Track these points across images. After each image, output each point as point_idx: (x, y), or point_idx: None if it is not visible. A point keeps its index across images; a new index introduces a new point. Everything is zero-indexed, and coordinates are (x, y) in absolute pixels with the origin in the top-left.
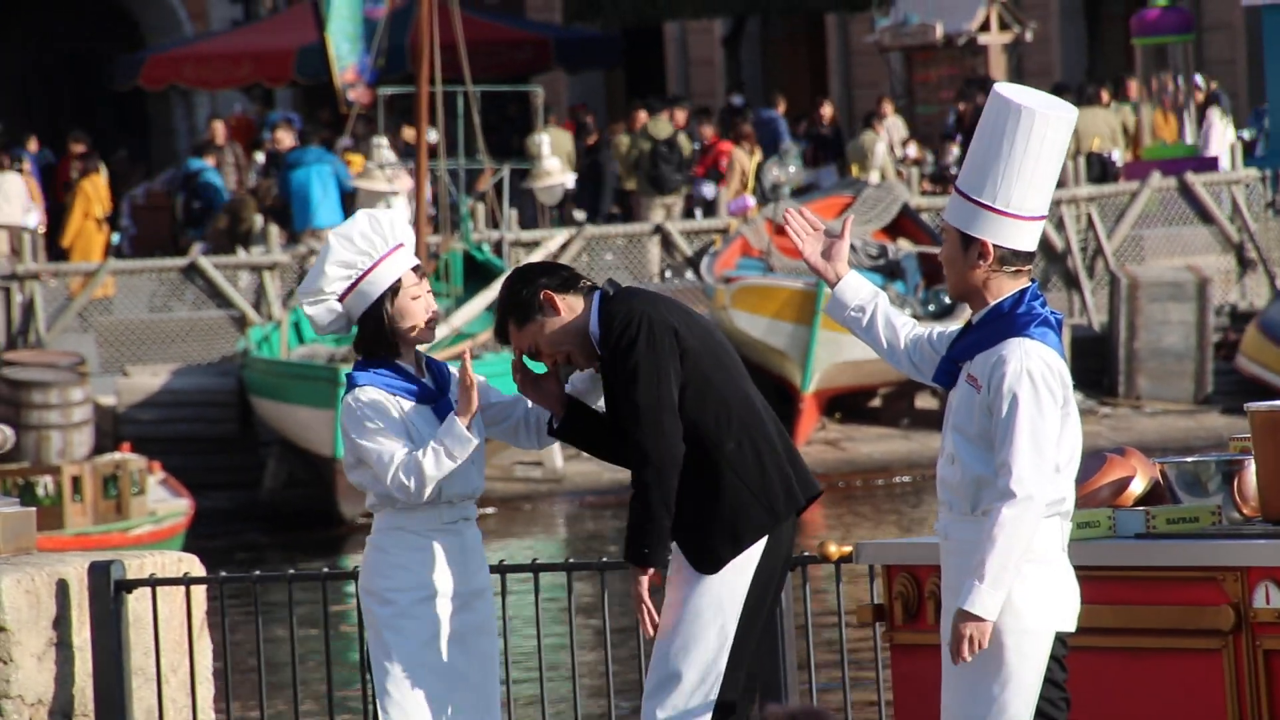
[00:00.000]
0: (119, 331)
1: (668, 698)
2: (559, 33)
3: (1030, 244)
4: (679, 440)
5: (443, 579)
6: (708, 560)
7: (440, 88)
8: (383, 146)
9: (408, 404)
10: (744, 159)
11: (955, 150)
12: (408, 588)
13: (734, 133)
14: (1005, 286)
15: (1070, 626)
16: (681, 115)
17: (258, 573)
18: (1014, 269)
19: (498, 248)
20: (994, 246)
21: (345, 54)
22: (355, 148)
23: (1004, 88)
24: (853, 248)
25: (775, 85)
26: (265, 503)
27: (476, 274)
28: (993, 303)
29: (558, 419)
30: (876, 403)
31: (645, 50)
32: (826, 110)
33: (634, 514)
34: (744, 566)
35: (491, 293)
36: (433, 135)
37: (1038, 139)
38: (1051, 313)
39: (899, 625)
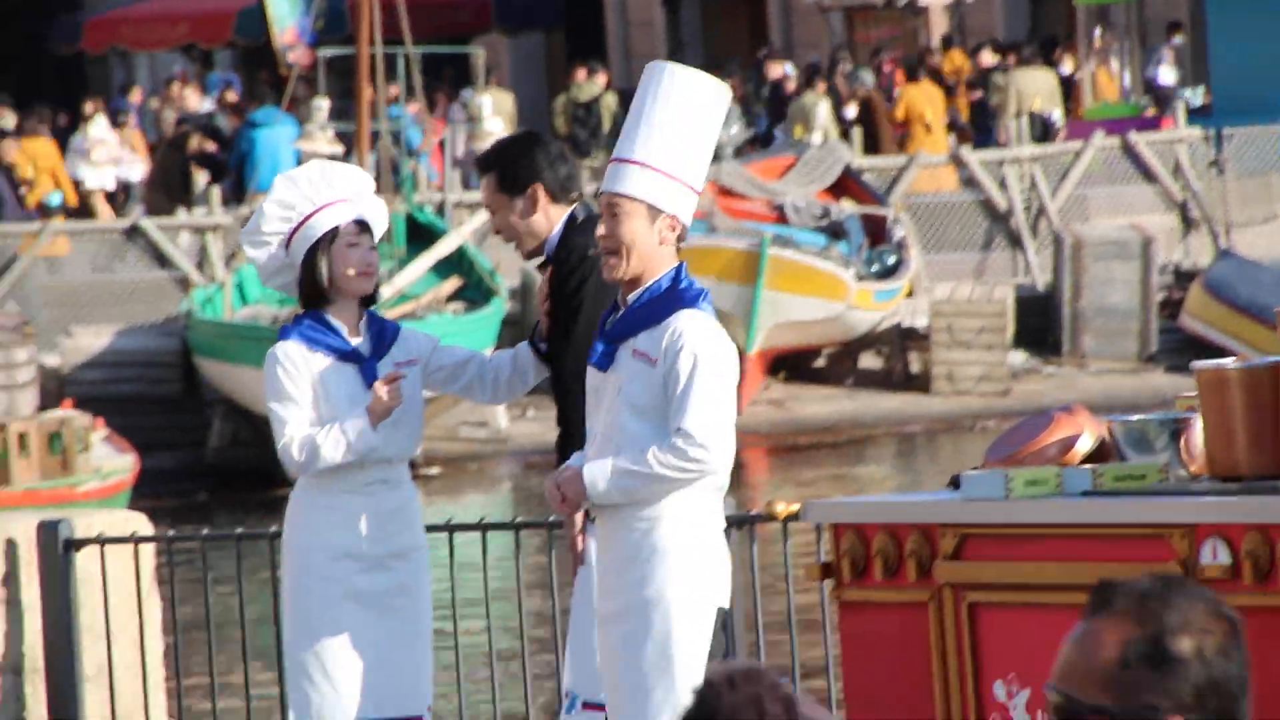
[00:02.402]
0: (63, 292)
1: None
2: None
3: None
4: None
5: (352, 540)
6: None
7: (380, 49)
8: (323, 109)
9: (330, 362)
10: None
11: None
12: (316, 547)
13: None
14: (667, 264)
15: (727, 602)
16: (602, 78)
17: (206, 531)
18: (672, 244)
19: (440, 209)
20: (680, 223)
21: (285, 15)
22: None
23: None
24: (796, 209)
25: (715, 46)
26: (210, 462)
27: (419, 235)
28: (649, 282)
29: (545, 339)
30: (821, 362)
31: (585, 11)
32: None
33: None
34: None
35: (434, 254)
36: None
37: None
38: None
39: (846, 583)
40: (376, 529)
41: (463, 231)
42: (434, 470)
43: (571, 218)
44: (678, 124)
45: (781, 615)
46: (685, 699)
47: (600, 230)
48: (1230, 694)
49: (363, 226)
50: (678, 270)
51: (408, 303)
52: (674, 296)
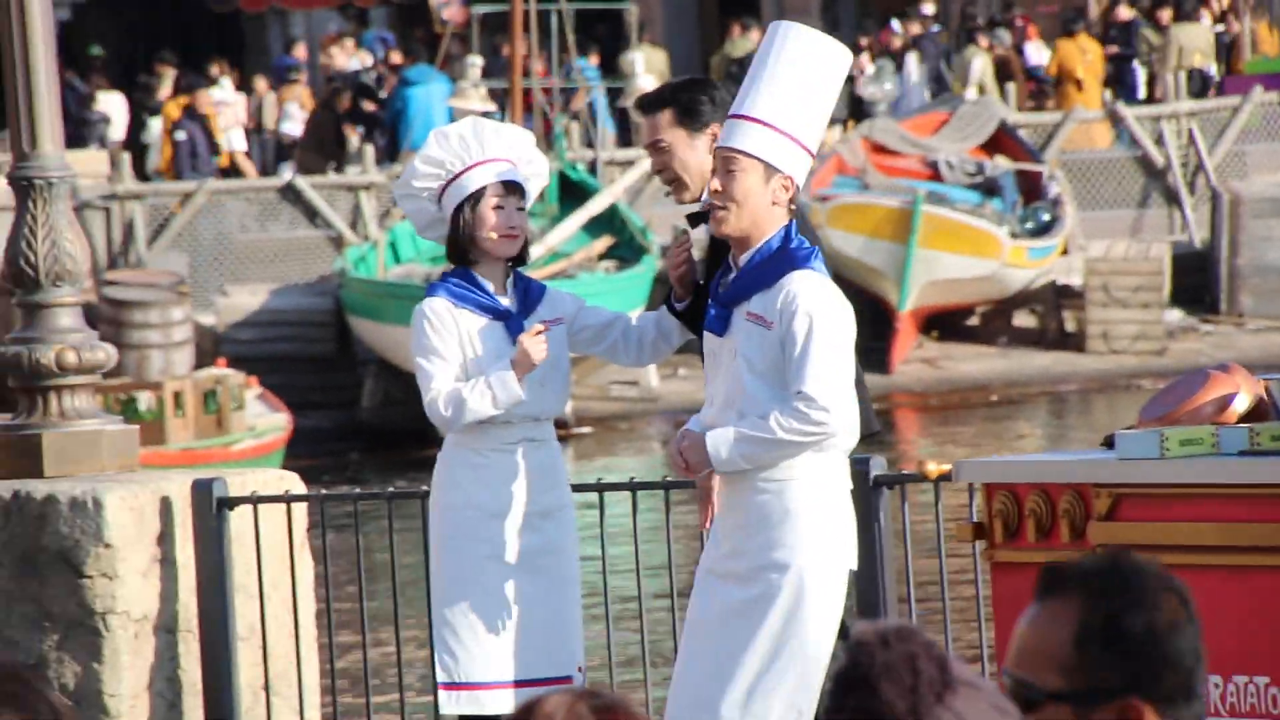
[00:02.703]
0: (217, 251)
1: None
2: None
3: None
4: None
5: (500, 499)
6: None
7: (534, 5)
8: (476, 66)
9: (477, 319)
10: None
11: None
12: (462, 506)
13: None
14: (777, 224)
15: (855, 564)
16: (756, 34)
17: (358, 490)
18: (784, 206)
19: (592, 167)
20: (794, 184)
21: None
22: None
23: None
24: (949, 165)
25: (869, 1)
26: (363, 421)
27: (571, 193)
28: (759, 242)
29: (680, 300)
30: (974, 321)
31: None
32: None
33: None
34: None
35: (586, 213)
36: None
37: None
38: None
39: (999, 544)
40: (524, 488)
41: (615, 190)
42: (585, 429)
43: None
44: (798, 85)
45: (933, 575)
46: (814, 663)
47: (714, 185)
48: (1186, 668)
49: (511, 188)
50: (788, 230)
51: (559, 261)
52: (785, 257)
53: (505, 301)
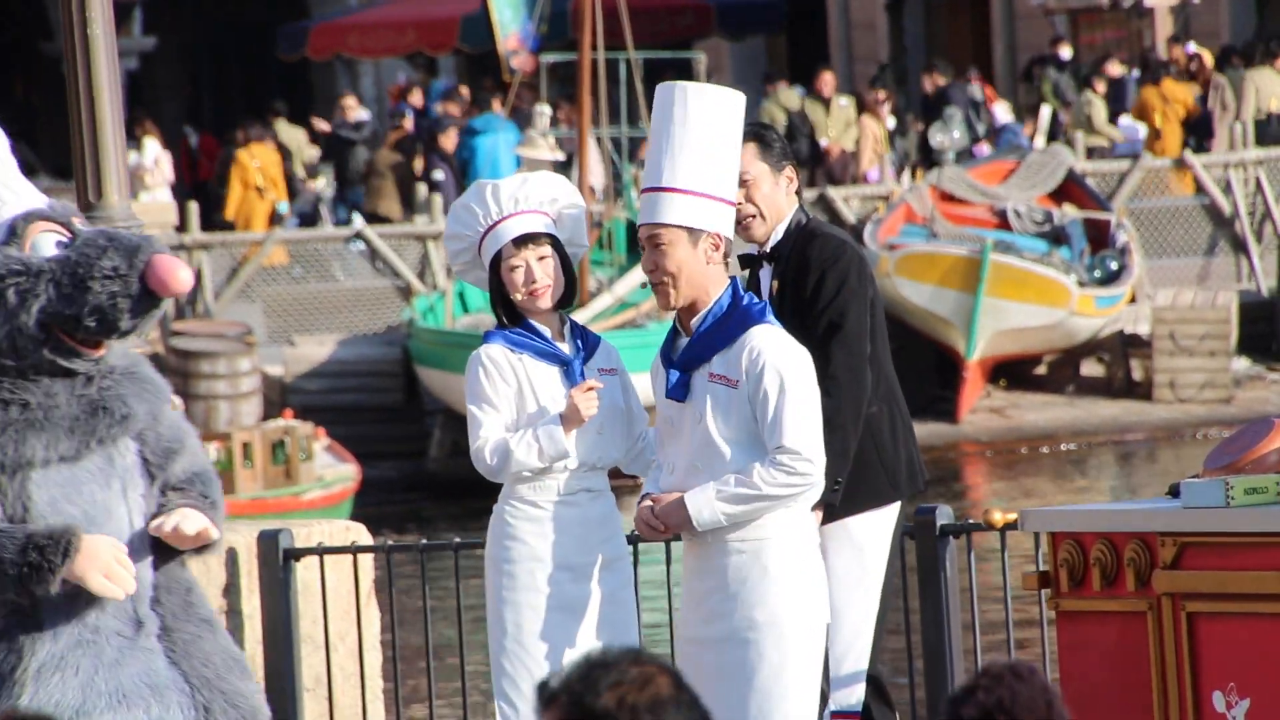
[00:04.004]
0: (285, 301)
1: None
2: None
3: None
4: (869, 387)
5: (558, 550)
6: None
7: (602, 54)
8: (545, 114)
9: (535, 364)
10: (874, 127)
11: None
12: (521, 559)
13: (862, 101)
14: (718, 282)
15: (828, 617)
16: (830, 79)
17: (424, 541)
18: (720, 263)
19: None
20: (723, 238)
21: (508, 21)
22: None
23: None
24: (1018, 214)
25: (938, 49)
26: (431, 472)
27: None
28: (708, 305)
29: None
30: (1041, 370)
31: (807, 15)
32: None
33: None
34: (883, 534)
35: None
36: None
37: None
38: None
39: (1064, 592)
40: (583, 538)
41: None
42: None
43: (801, 210)
44: (700, 143)
45: (999, 624)
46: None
47: (647, 264)
48: None
49: (522, 242)
50: (734, 287)
51: (627, 310)
52: (741, 314)
53: (563, 347)
